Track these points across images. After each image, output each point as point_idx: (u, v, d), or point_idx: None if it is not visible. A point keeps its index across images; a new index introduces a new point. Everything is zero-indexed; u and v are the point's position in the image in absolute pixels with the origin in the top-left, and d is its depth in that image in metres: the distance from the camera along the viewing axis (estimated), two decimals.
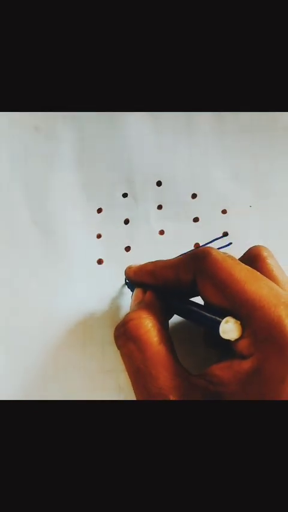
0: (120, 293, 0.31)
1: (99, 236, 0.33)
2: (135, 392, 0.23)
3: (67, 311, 0.31)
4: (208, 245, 0.32)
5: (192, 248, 0.32)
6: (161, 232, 0.32)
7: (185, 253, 0.26)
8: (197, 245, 0.32)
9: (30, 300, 0.31)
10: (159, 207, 0.33)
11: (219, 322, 0.22)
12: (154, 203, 0.33)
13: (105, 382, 0.29)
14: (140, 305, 0.26)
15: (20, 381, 0.29)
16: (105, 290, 0.31)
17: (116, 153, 0.34)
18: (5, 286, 0.31)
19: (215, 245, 0.32)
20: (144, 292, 0.27)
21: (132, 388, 0.23)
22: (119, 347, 0.25)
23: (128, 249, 0.32)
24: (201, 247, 0.26)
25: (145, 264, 0.28)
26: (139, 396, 0.23)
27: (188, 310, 0.25)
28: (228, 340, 0.22)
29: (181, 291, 0.26)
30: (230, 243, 0.31)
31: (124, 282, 0.31)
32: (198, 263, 0.24)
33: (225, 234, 0.32)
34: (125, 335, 0.24)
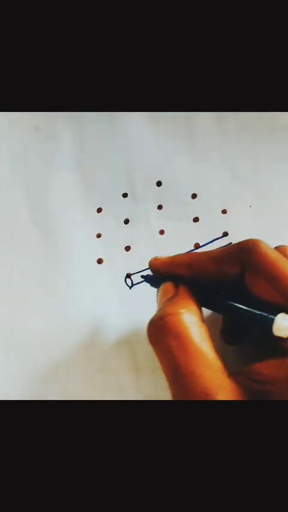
0: (120, 292, 0.31)
1: (99, 236, 0.33)
2: (172, 391, 0.22)
3: (67, 311, 0.31)
4: (208, 245, 0.32)
5: (192, 248, 0.32)
6: (161, 232, 0.32)
7: (226, 245, 0.25)
8: (197, 245, 0.32)
9: (30, 300, 0.31)
10: (159, 207, 0.33)
11: (271, 319, 0.21)
12: (154, 203, 0.33)
13: (106, 382, 0.29)
14: (174, 299, 0.24)
15: (20, 381, 0.29)
16: (105, 290, 0.31)
17: (116, 153, 0.34)
18: (5, 286, 0.31)
19: (214, 245, 0.32)
20: (176, 285, 0.26)
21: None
22: (153, 343, 0.23)
23: (128, 248, 0.32)
24: (247, 240, 0.24)
25: (177, 255, 0.26)
26: (177, 395, 0.22)
27: (228, 306, 0.24)
28: (279, 338, 0.21)
29: (222, 284, 0.24)
30: (230, 243, 0.31)
31: (125, 280, 0.30)
32: (246, 256, 0.23)
33: (225, 234, 0.32)
34: (162, 331, 0.22)
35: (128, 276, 0.31)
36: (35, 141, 0.34)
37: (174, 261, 0.26)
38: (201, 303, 0.25)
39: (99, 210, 0.33)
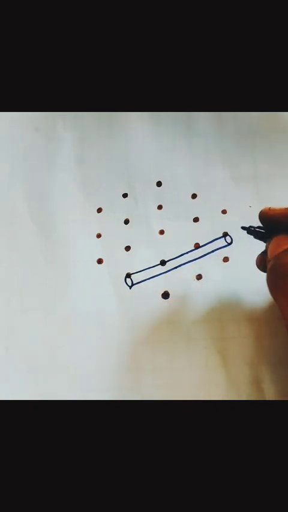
0: (120, 292, 0.31)
1: (99, 236, 0.33)
2: None
3: (67, 311, 0.31)
4: (208, 245, 0.32)
5: (192, 248, 0.32)
6: (161, 232, 0.32)
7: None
8: (197, 245, 0.32)
9: (30, 299, 0.31)
10: (159, 207, 0.33)
11: None
12: (154, 203, 0.33)
13: (105, 381, 0.29)
14: None
15: (20, 381, 0.29)
16: (105, 290, 0.31)
17: (116, 153, 0.34)
18: (5, 286, 0.31)
19: (215, 245, 0.32)
20: None
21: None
22: (273, 289, 0.26)
23: (128, 248, 0.32)
24: None
25: None
26: None
27: None
28: None
29: None
30: (230, 243, 0.31)
31: (125, 280, 0.30)
32: None
33: (225, 234, 0.32)
34: (283, 277, 0.25)
35: (128, 275, 0.31)
36: (35, 141, 0.34)
37: None
38: None
39: (99, 210, 0.33)
